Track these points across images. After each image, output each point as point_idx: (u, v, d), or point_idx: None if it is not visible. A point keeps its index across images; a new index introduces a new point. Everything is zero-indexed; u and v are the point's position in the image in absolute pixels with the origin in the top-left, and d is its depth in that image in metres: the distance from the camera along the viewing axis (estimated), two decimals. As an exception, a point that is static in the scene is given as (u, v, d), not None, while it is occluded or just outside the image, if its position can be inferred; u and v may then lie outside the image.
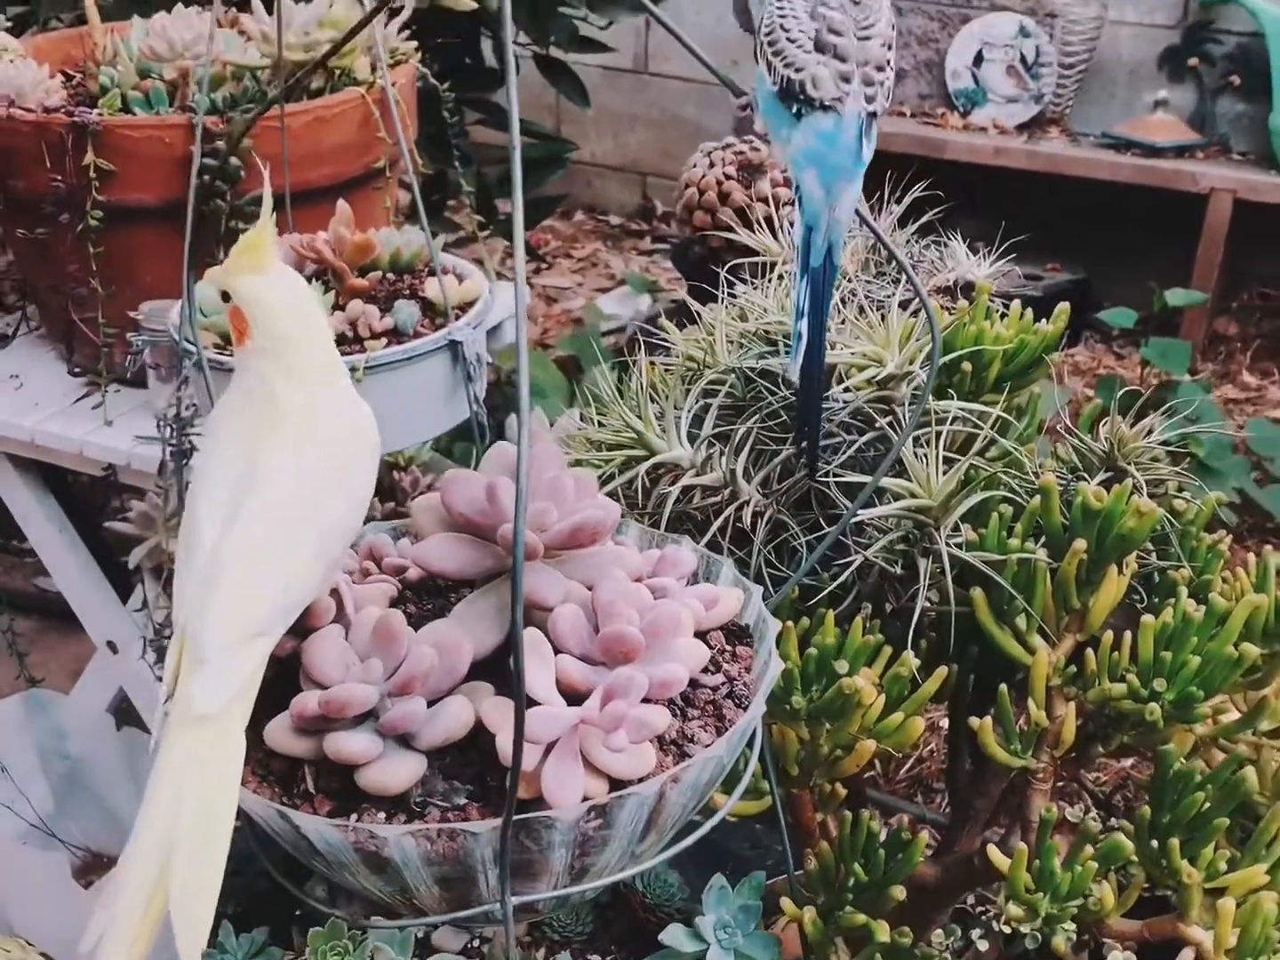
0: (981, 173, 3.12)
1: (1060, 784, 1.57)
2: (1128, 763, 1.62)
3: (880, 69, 0.78)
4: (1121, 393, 1.10)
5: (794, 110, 0.78)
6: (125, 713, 1.77)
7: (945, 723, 1.62)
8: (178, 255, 1.21)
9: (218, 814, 0.63)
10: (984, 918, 1.17)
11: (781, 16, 0.80)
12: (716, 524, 0.93)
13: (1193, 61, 3.15)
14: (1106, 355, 3.13)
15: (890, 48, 0.79)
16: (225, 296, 0.71)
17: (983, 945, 1.16)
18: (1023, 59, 3.23)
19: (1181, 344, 2.74)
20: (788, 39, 0.78)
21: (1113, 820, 1.07)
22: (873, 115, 0.79)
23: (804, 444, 0.91)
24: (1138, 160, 3.06)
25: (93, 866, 1.72)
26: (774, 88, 0.79)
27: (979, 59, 3.26)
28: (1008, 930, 1.15)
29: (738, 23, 0.89)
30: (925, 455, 0.89)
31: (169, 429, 1.33)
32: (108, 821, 1.72)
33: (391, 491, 1.48)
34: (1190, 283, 2.97)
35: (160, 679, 1.33)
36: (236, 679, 0.65)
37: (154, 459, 1.42)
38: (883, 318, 0.95)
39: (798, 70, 0.77)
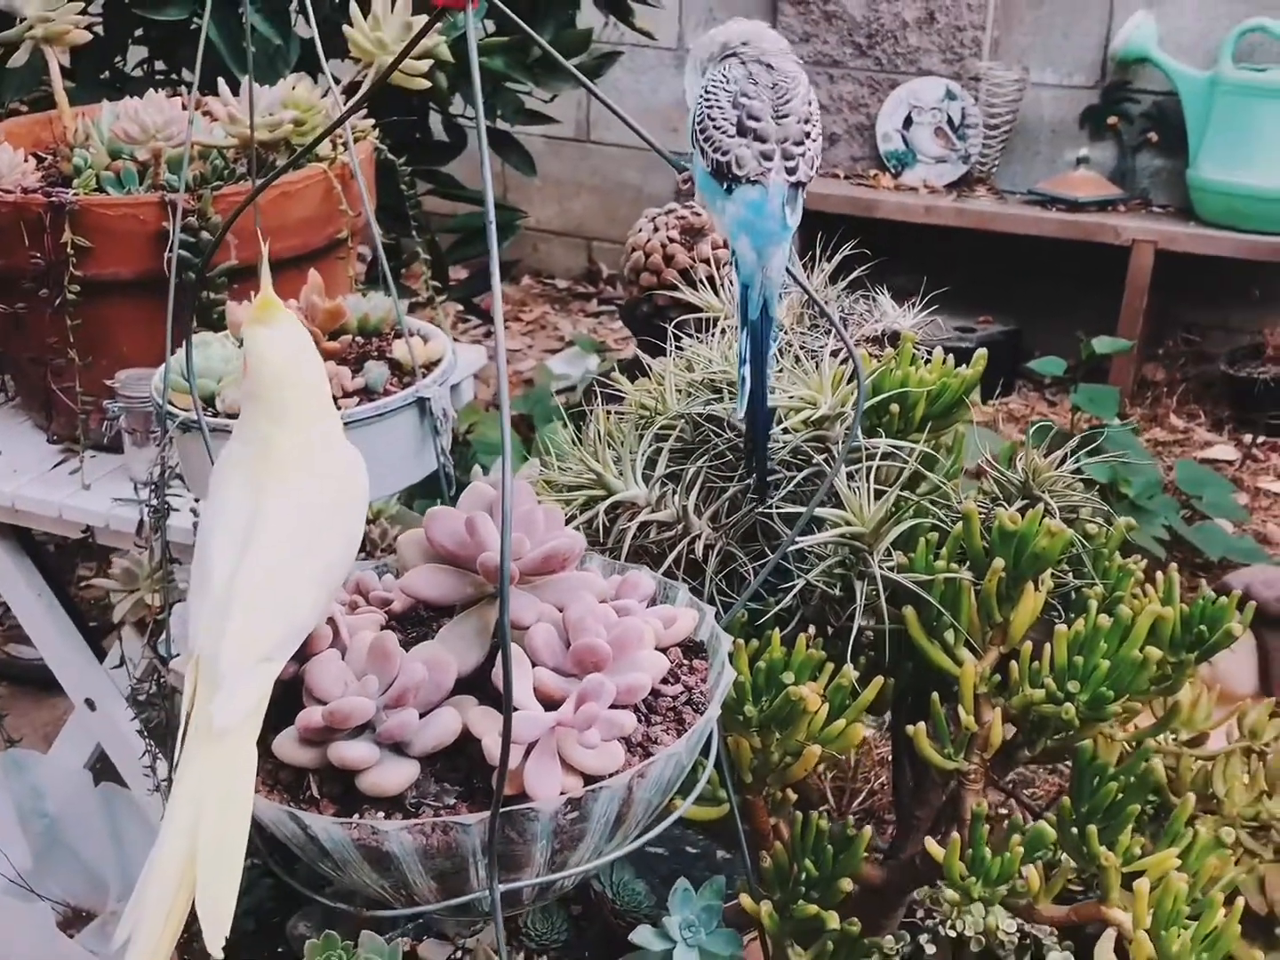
0: (913, 231, 3.25)
1: (1001, 807, 1.66)
2: (1060, 778, 1.71)
3: (799, 144, 0.90)
4: (1053, 434, 1.20)
5: (725, 186, 0.89)
6: (103, 770, 1.82)
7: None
8: (152, 325, 1.28)
9: (235, 818, 0.71)
10: (930, 924, 1.26)
11: (709, 107, 0.92)
12: (671, 556, 1.01)
13: (1112, 120, 3.30)
14: (1039, 403, 3.25)
15: (807, 121, 0.91)
16: (241, 343, 0.79)
17: (930, 949, 1.25)
18: (950, 121, 3.37)
19: (1109, 390, 2.86)
20: (714, 127, 0.91)
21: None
22: (796, 185, 0.90)
23: (753, 477, 1.00)
24: (1062, 215, 3.20)
25: (73, 921, 1.76)
26: (707, 168, 0.91)
27: (908, 122, 3.40)
28: (953, 934, 1.23)
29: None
30: (858, 488, 0.98)
31: (148, 490, 1.40)
32: (87, 877, 1.76)
33: (361, 543, 1.55)
34: (1116, 331, 3.10)
35: (140, 733, 1.40)
36: (251, 698, 0.73)
37: (131, 520, 1.49)
38: (816, 365, 1.05)
39: (724, 154, 0.89)
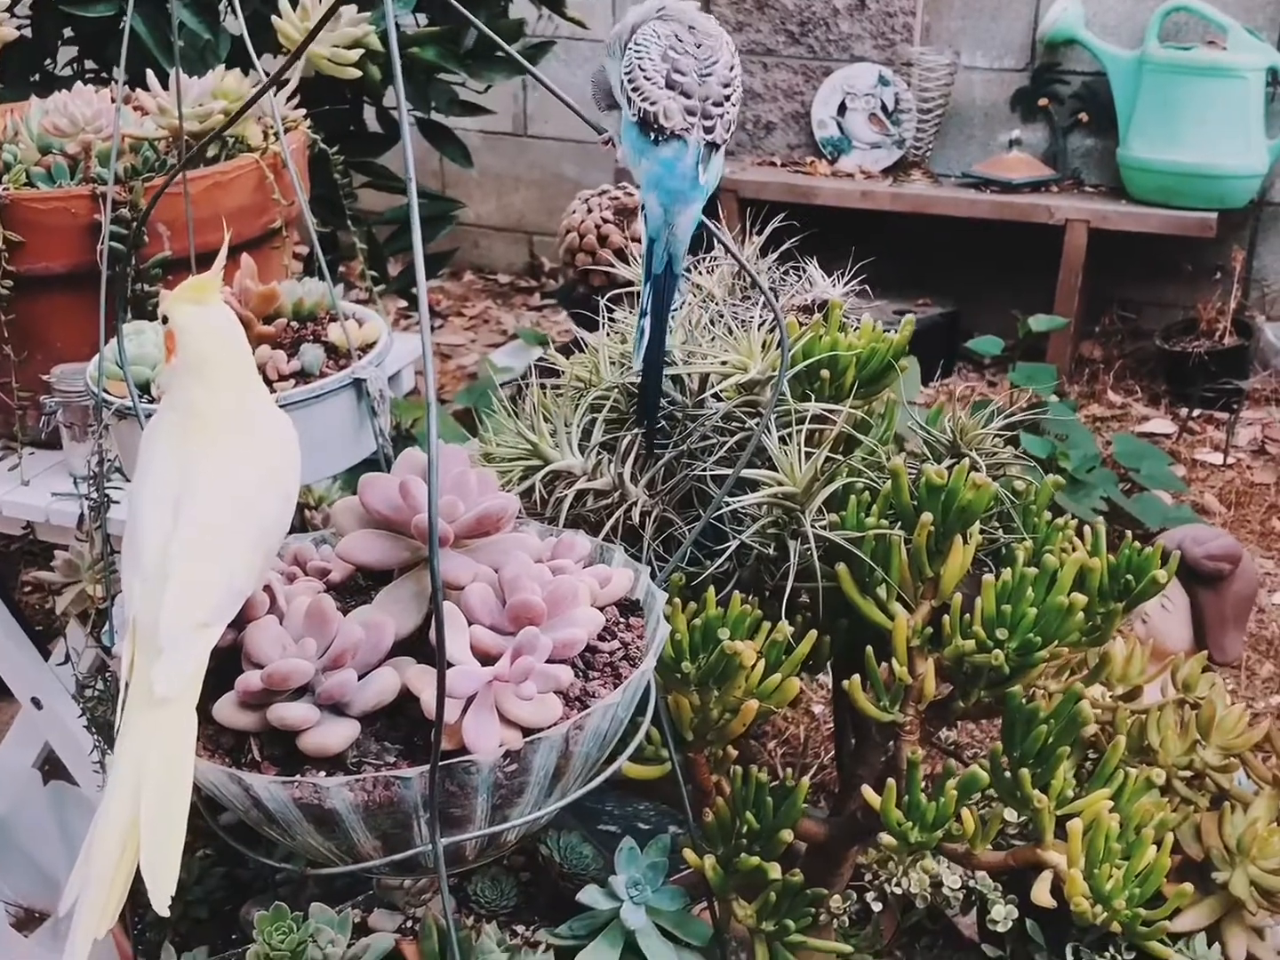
0: (851, 216, 3.27)
1: (938, 767, 1.68)
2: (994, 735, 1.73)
3: (718, 104, 0.92)
4: (990, 409, 1.22)
5: (652, 138, 0.91)
6: (51, 769, 1.81)
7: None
8: (87, 319, 1.28)
9: (178, 781, 0.72)
10: (877, 884, 1.28)
11: (639, 59, 0.94)
12: (609, 524, 1.03)
13: (1043, 101, 3.34)
14: (979, 383, 3.29)
15: (728, 86, 0.92)
16: (164, 320, 0.80)
17: (877, 907, 1.27)
18: (883, 107, 3.40)
19: (1047, 368, 2.90)
20: (644, 77, 0.93)
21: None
22: (711, 145, 0.92)
23: (643, 425, 1.02)
24: (996, 197, 3.23)
25: (26, 922, 1.76)
26: (634, 118, 0.92)
27: (842, 108, 3.43)
28: (899, 891, 1.25)
29: (596, 105, 1.02)
30: (789, 450, 1.00)
31: (87, 484, 1.40)
32: (39, 877, 1.76)
33: (304, 529, 1.55)
34: (1053, 309, 3.14)
35: (88, 728, 1.40)
36: (190, 664, 0.73)
37: (71, 515, 1.49)
38: (747, 333, 1.06)
39: (653, 103, 0.91)
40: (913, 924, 1.39)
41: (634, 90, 0.93)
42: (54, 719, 1.72)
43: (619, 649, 0.83)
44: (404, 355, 1.78)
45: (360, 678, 0.76)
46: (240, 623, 0.80)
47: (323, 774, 0.74)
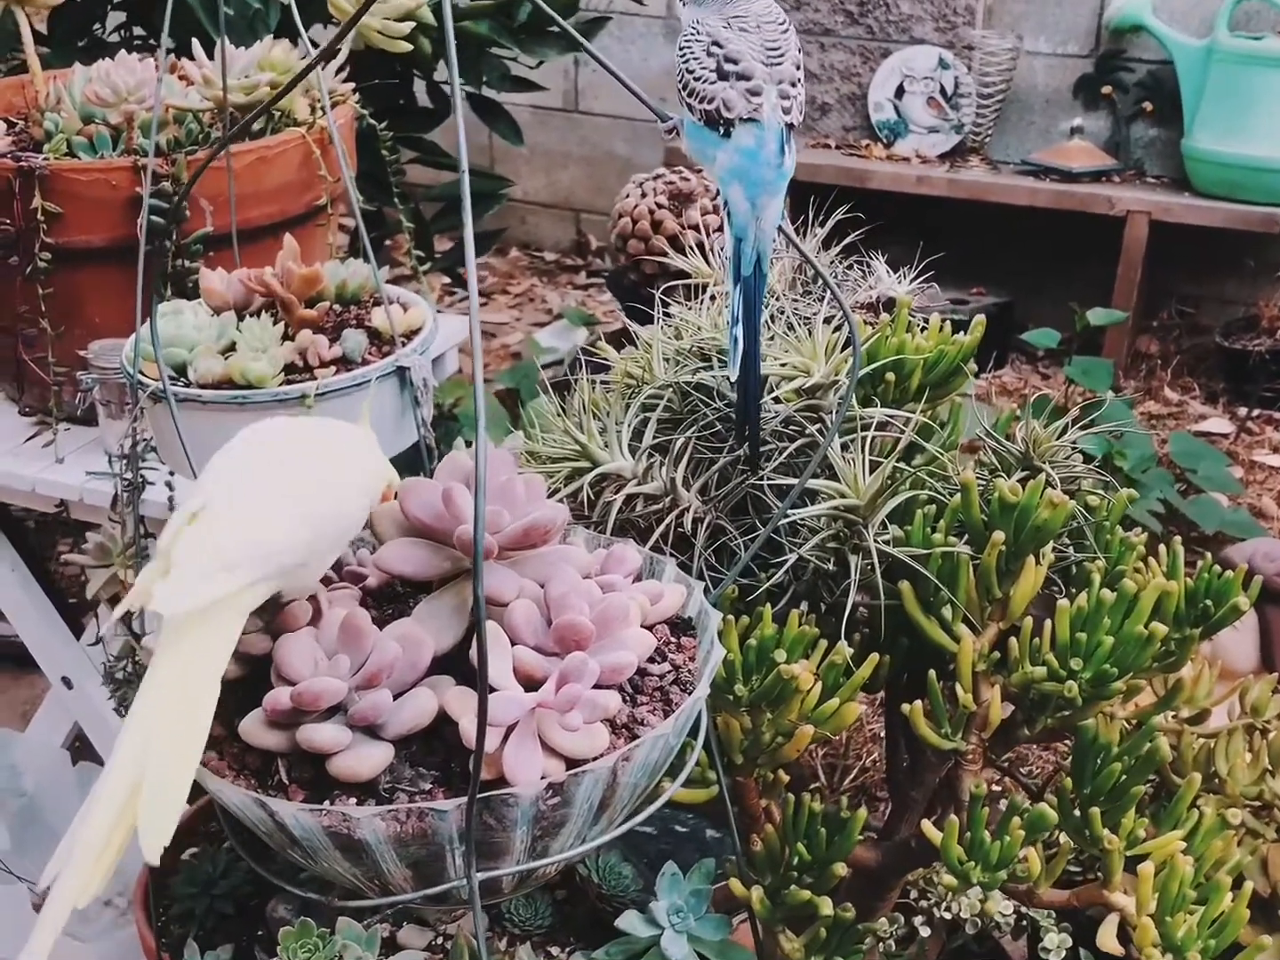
0: (906, 202, 3.20)
1: (996, 787, 1.63)
2: (1059, 755, 1.68)
3: (794, 84, 0.86)
4: (1049, 408, 1.16)
5: (722, 131, 0.85)
6: (80, 748, 1.79)
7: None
8: (125, 294, 1.24)
9: (189, 724, 0.68)
10: (925, 906, 1.23)
11: (685, 63, 0.89)
12: (659, 530, 0.98)
13: (1106, 89, 3.26)
14: (1033, 376, 3.22)
15: (800, 67, 0.87)
16: None
17: (924, 931, 1.22)
18: (942, 90, 3.32)
19: (1104, 362, 2.83)
20: (694, 79, 0.88)
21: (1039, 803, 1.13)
22: (790, 126, 0.86)
23: (745, 444, 0.97)
24: (1056, 186, 3.16)
25: (52, 903, 1.73)
26: (698, 120, 0.88)
27: (900, 91, 3.36)
28: (948, 916, 1.20)
29: None
30: (852, 459, 0.94)
31: (121, 463, 1.36)
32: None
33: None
34: (1110, 303, 3.06)
35: (117, 711, 1.37)
36: (198, 594, 0.69)
37: (106, 494, 1.45)
38: (809, 333, 1.01)
39: (710, 101, 0.86)
40: (958, 946, 1.35)
41: (689, 95, 0.88)
42: (84, 699, 1.69)
43: (670, 672, 0.78)
44: (449, 337, 1.73)
45: (396, 697, 0.72)
46: (276, 632, 0.75)
47: (353, 801, 0.70)
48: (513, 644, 0.73)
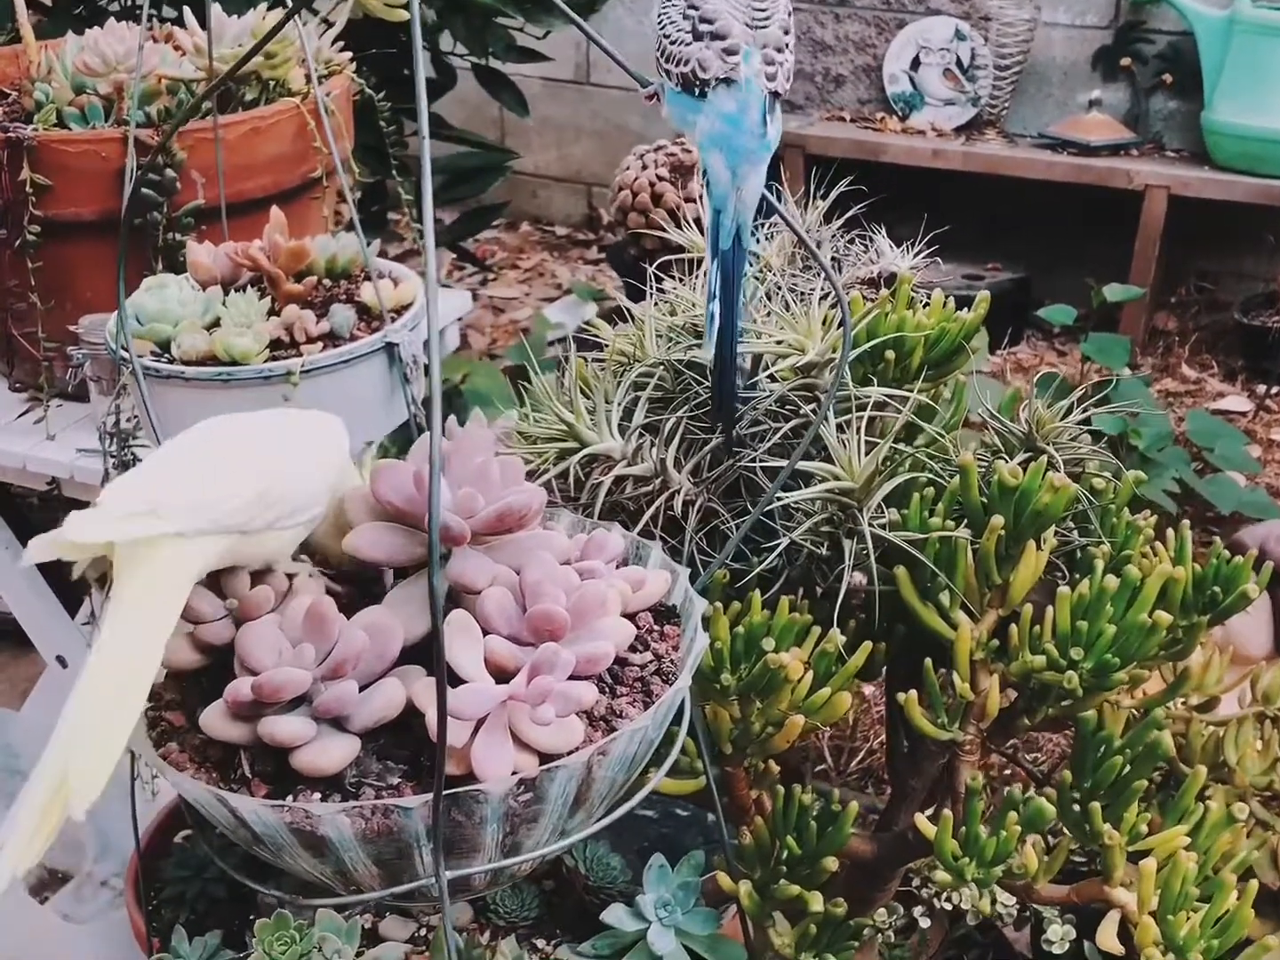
0: (921, 175, 3.16)
1: (1005, 771, 1.60)
2: (1063, 739, 1.65)
3: (779, 50, 0.82)
4: (1057, 383, 1.13)
5: (697, 93, 0.82)
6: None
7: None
8: (116, 269, 1.22)
9: (127, 676, 0.68)
10: (925, 896, 1.20)
11: (661, 28, 0.85)
12: (649, 513, 0.95)
13: (1125, 61, 3.20)
14: (1048, 352, 3.17)
15: (788, 32, 0.83)
16: None
17: (925, 923, 1.19)
18: (959, 62, 3.27)
19: (1120, 339, 2.78)
20: (669, 42, 0.84)
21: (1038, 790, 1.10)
22: (775, 95, 0.82)
23: (720, 425, 0.93)
24: (1073, 159, 3.11)
25: (48, 883, 1.72)
26: (675, 86, 0.84)
27: (916, 63, 3.31)
28: (949, 907, 1.17)
29: None
30: (848, 440, 0.91)
31: (110, 440, 1.34)
32: (62, 837, 1.71)
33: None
34: (1128, 279, 3.01)
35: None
36: (115, 526, 0.69)
37: (97, 472, 1.43)
38: (805, 310, 0.98)
39: (685, 63, 0.82)
40: (960, 935, 1.32)
41: (666, 59, 0.84)
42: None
43: (651, 661, 0.75)
44: (451, 311, 1.70)
45: (363, 688, 0.69)
46: (239, 620, 0.73)
47: (317, 796, 0.67)
48: (485, 633, 0.70)
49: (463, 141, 2.38)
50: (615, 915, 0.90)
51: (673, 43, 0.82)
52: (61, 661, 1.67)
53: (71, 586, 1.81)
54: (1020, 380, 2.98)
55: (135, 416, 1.28)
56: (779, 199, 0.97)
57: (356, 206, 1.36)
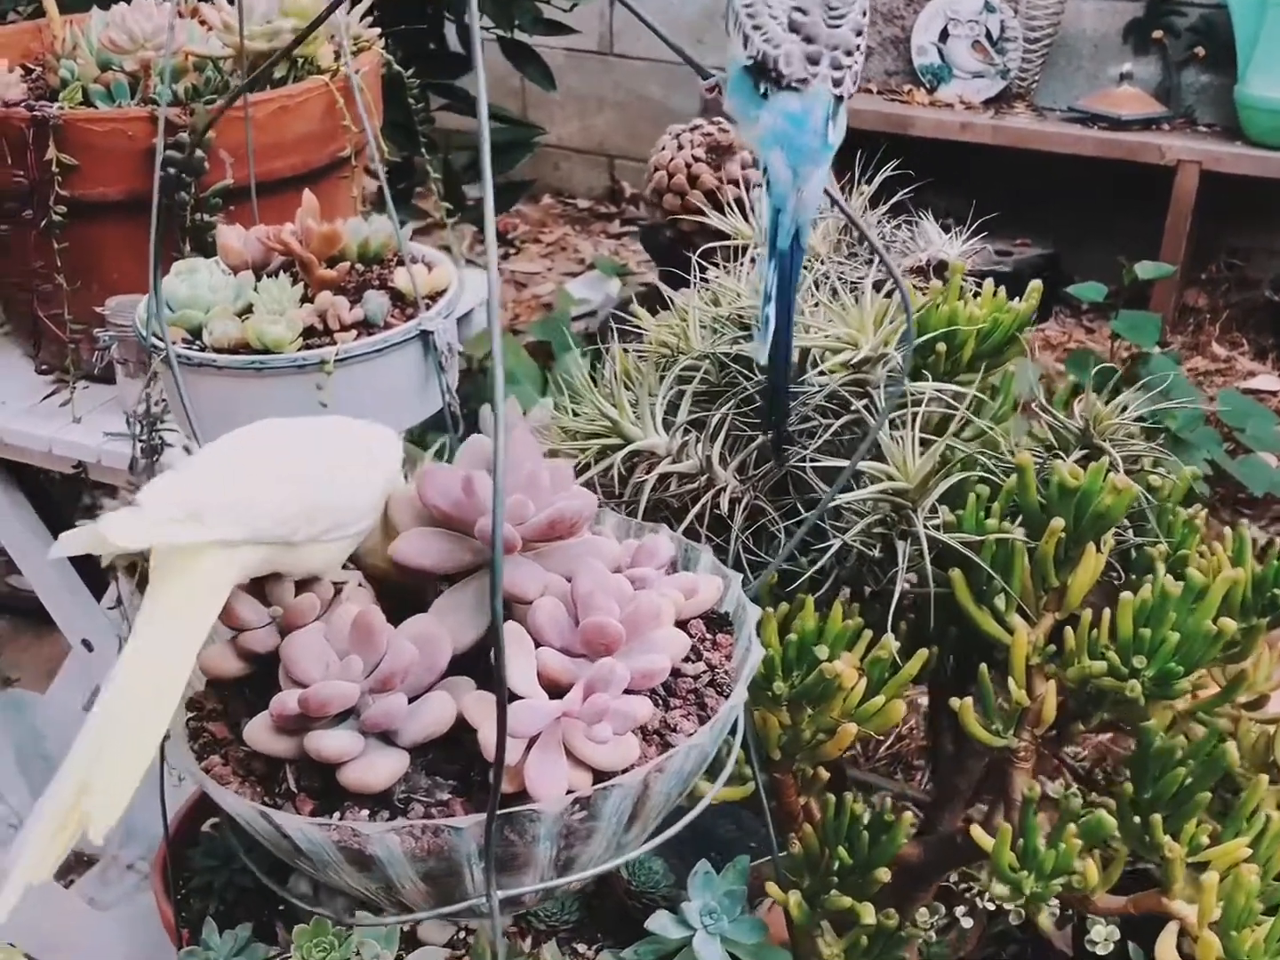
0: (948, 149, 3.12)
1: (1049, 762, 1.58)
2: (1106, 736, 1.63)
3: (849, 53, 0.78)
4: (1096, 370, 1.10)
5: (761, 90, 0.78)
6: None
7: (925, 700, 1.63)
8: (143, 249, 1.19)
9: (156, 693, 0.65)
10: (968, 895, 1.18)
11: (749, 6, 0.79)
12: (694, 511, 0.92)
13: (1157, 34, 3.15)
14: (1077, 329, 3.14)
15: (861, 34, 0.79)
16: None
17: (967, 923, 1.17)
18: (988, 34, 3.22)
19: (1151, 317, 2.75)
20: (769, 14, 0.78)
21: (1094, 796, 1.07)
22: (839, 99, 0.79)
23: (771, 431, 0.90)
24: (1104, 134, 3.06)
25: (73, 866, 1.71)
26: (749, 60, 0.78)
27: (944, 35, 3.26)
28: (991, 907, 1.15)
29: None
30: (901, 438, 0.89)
31: (139, 425, 1.32)
32: (88, 820, 1.71)
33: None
34: (1158, 255, 2.97)
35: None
36: (155, 531, 0.66)
37: (124, 455, 1.41)
38: (856, 300, 0.95)
39: (775, 46, 0.77)
40: (999, 931, 1.30)
41: (754, 27, 0.78)
42: (105, 662, 1.66)
43: (704, 672, 0.73)
44: (477, 292, 1.68)
45: (412, 700, 0.67)
46: (283, 629, 0.71)
47: (365, 813, 0.65)
48: (537, 645, 0.68)
49: (492, 117, 2.34)
50: (659, 923, 0.88)
51: (773, 17, 0.77)
52: (87, 645, 1.66)
53: (97, 569, 1.80)
54: (1049, 356, 2.94)
55: (163, 400, 1.26)
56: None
57: (383, 187, 1.34)
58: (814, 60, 0.76)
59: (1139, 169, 3.02)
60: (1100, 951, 1.17)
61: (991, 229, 1.19)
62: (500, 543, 0.52)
